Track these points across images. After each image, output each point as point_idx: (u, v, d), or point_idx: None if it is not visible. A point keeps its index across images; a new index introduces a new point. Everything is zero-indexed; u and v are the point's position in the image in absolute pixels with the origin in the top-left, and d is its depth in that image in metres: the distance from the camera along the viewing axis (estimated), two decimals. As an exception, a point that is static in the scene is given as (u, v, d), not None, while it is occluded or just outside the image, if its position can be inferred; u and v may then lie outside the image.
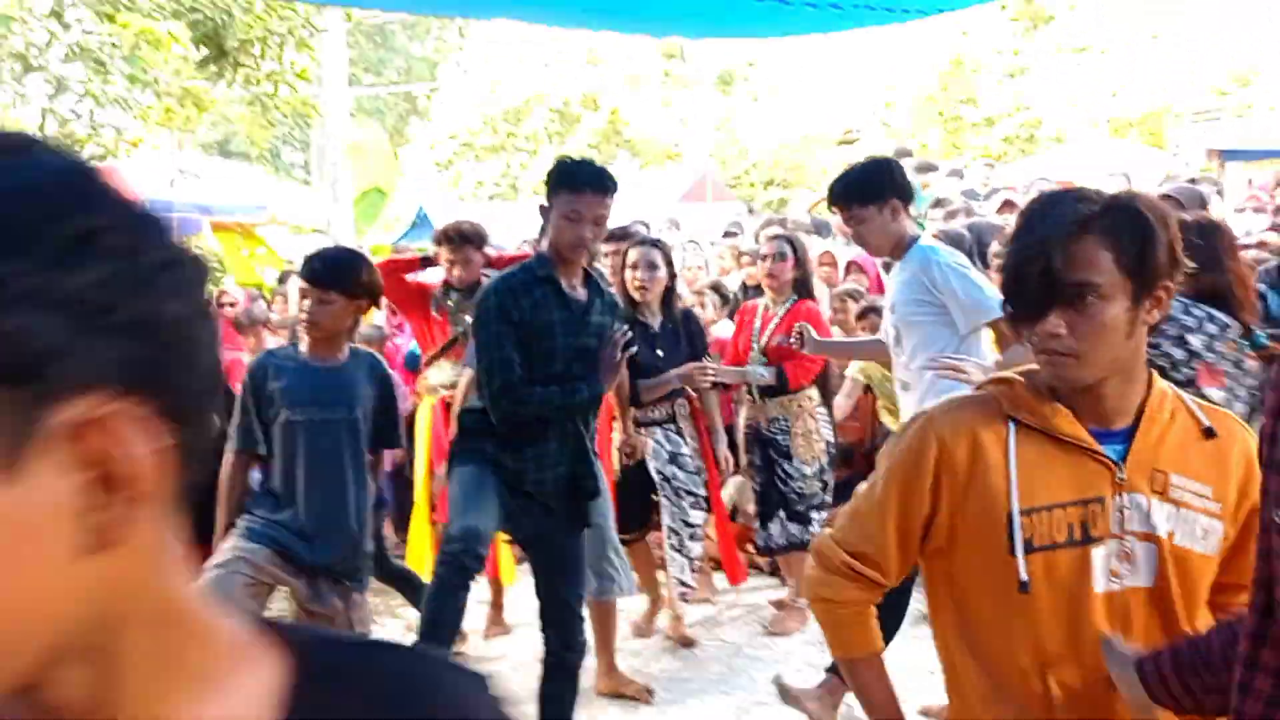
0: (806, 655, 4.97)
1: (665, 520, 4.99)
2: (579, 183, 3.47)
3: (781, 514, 5.12)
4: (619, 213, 12.26)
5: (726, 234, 9.68)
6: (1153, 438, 1.70)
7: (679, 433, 5.02)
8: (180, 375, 0.59)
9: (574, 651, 3.76)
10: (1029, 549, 1.66)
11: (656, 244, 5.15)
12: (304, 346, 3.72)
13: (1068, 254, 1.60)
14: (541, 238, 5.64)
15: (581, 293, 3.64)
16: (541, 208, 3.60)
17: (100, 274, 0.54)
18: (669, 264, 5.06)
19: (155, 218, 0.60)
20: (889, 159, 4.32)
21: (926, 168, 11.03)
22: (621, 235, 5.94)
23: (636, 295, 4.94)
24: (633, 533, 5.11)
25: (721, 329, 6.43)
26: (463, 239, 5.25)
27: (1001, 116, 21.32)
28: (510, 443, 3.59)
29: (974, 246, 6.30)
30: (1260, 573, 1.40)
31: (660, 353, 4.93)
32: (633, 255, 4.97)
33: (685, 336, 5.06)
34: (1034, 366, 1.75)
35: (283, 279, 10.70)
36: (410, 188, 20.89)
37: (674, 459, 4.99)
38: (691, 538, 5.03)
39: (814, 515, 5.11)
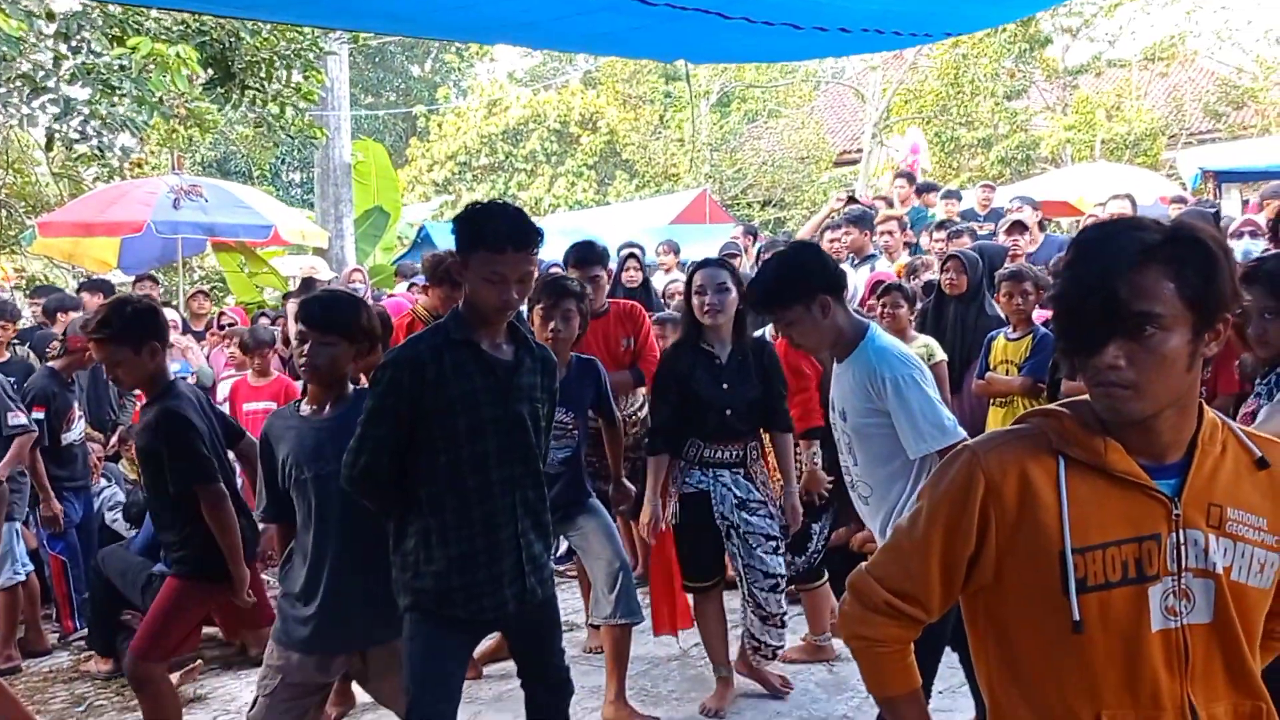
0: (814, 673, 4.96)
1: (737, 568, 4.53)
2: (500, 241, 2.98)
3: None
4: (617, 231, 12.06)
5: (725, 255, 9.46)
6: (1207, 471, 1.65)
7: (748, 477, 4.49)
8: None
9: (563, 696, 3.45)
10: (1082, 589, 1.62)
11: (723, 264, 4.58)
12: (305, 403, 3.48)
13: (1130, 283, 1.55)
14: (430, 285, 5.43)
15: (507, 351, 3.17)
16: (453, 262, 3.15)
17: None
18: (739, 285, 4.43)
19: None
20: (808, 248, 3.71)
21: (928, 188, 11.05)
22: (587, 258, 5.59)
23: (706, 320, 4.44)
24: (701, 582, 4.65)
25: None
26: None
27: (998, 138, 21.37)
28: (456, 563, 3.09)
29: (985, 270, 6.33)
30: None
31: (725, 385, 4.42)
32: (699, 279, 4.45)
33: (757, 370, 4.49)
34: (1081, 398, 1.70)
35: (286, 297, 10.74)
36: (411, 208, 20.91)
37: (743, 505, 4.44)
38: (772, 589, 4.46)
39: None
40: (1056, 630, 1.63)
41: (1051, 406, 1.74)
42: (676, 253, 10.56)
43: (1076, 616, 1.61)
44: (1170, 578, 1.63)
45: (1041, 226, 8.05)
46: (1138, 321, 1.55)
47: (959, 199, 11.09)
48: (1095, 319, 1.57)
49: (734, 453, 4.47)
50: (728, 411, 4.44)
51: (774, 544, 4.45)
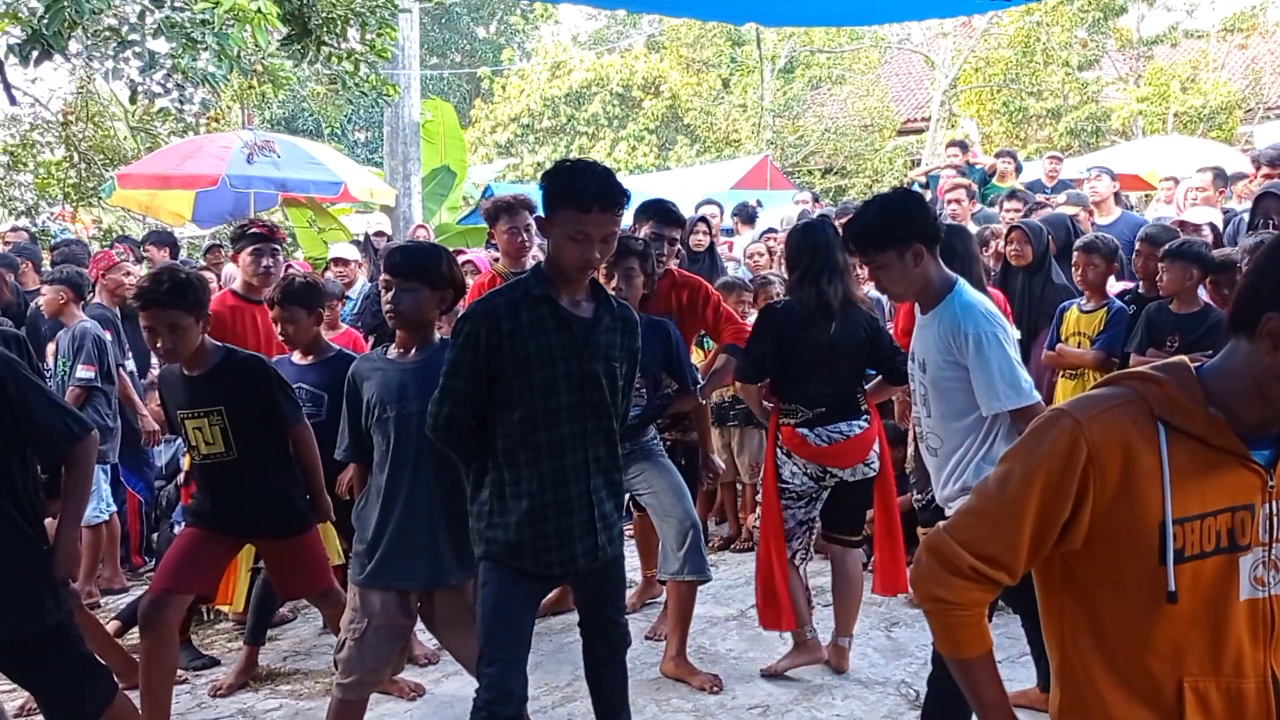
0: (872, 639, 5.02)
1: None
2: (586, 200, 2.99)
3: None
4: (678, 196, 12.24)
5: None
6: None
7: None
8: None
9: (621, 651, 3.55)
10: (1180, 559, 1.62)
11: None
12: (393, 347, 3.66)
13: None
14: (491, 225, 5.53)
15: (586, 308, 3.20)
16: (539, 219, 3.15)
17: None
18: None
19: None
20: (911, 195, 3.65)
21: (1004, 154, 11.01)
22: (668, 218, 5.30)
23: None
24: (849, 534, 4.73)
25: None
26: (521, 204, 5.35)
27: (1068, 109, 20.97)
28: (527, 516, 3.16)
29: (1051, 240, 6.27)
30: None
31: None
32: None
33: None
34: (1175, 360, 1.71)
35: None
36: (474, 169, 20.99)
37: None
38: None
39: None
40: (1147, 598, 1.64)
41: (1146, 370, 1.71)
42: (750, 220, 10.61)
43: (1172, 587, 1.61)
44: (1261, 548, 1.64)
45: (1118, 199, 7.94)
46: None
47: (1020, 170, 11.01)
48: None
49: None
50: None
51: None
